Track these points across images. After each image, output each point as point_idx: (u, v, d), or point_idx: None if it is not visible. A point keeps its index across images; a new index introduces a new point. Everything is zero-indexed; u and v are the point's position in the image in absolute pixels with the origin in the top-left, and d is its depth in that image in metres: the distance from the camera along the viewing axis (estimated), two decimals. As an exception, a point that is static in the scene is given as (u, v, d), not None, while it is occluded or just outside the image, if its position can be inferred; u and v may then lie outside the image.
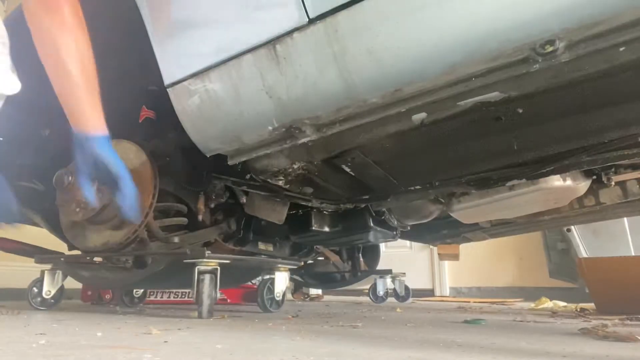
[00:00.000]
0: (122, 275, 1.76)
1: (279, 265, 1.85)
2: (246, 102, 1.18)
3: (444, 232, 2.57)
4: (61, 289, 1.87)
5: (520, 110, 1.09)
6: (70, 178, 1.58)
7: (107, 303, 2.40)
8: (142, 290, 2.36)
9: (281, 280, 1.90)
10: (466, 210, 1.81)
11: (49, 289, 1.81)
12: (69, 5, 1.23)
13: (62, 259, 1.78)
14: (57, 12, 1.22)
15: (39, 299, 1.81)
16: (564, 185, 1.58)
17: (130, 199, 1.26)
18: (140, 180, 1.58)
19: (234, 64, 1.16)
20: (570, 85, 0.98)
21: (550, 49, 0.87)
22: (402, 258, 4.61)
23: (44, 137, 1.89)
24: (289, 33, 1.06)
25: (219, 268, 1.55)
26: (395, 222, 2.17)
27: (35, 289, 1.83)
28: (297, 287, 3.53)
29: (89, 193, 1.28)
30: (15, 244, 1.88)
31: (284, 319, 1.62)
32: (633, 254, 2.98)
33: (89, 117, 1.27)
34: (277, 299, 1.90)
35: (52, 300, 1.83)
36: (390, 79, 1.01)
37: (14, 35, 1.30)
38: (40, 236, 1.96)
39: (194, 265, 1.52)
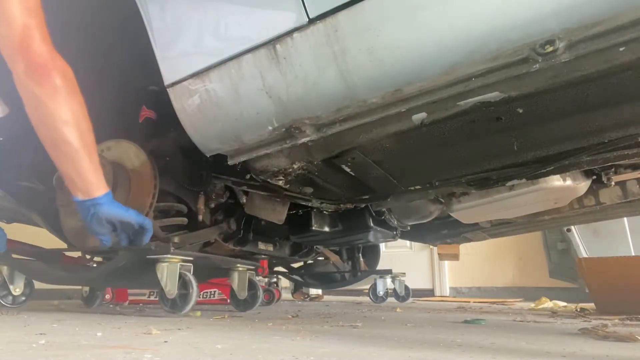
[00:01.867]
0: (76, 272, 1.75)
1: (238, 265, 1.83)
2: (246, 102, 1.18)
3: (444, 232, 2.57)
4: (30, 287, 1.79)
5: (520, 110, 1.09)
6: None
7: (107, 303, 2.40)
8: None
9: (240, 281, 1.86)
10: (466, 210, 1.81)
11: (16, 287, 1.73)
12: (58, 70, 1.22)
13: (11, 254, 1.72)
14: (47, 80, 1.21)
15: (10, 297, 1.74)
16: (564, 185, 1.58)
17: (151, 233, 1.44)
18: (140, 180, 1.58)
19: (234, 63, 1.16)
20: (571, 85, 0.98)
21: (550, 49, 0.87)
22: (402, 258, 4.61)
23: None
24: (289, 33, 1.06)
25: (178, 265, 1.51)
26: (395, 222, 2.17)
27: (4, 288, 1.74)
28: (297, 287, 3.53)
29: (108, 242, 1.43)
30: (15, 244, 1.88)
31: (284, 319, 1.62)
32: (633, 254, 2.99)
33: (92, 182, 1.32)
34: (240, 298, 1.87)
35: (23, 298, 1.77)
36: (390, 79, 1.01)
37: None
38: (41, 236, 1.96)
39: (156, 261, 1.48)
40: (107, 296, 2.44)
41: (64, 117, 1.24)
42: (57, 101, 1.22)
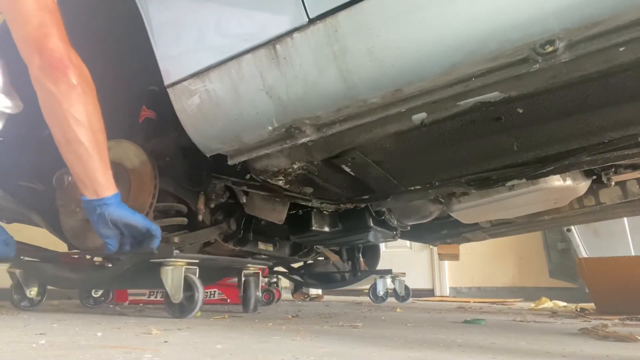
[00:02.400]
0: (85, 275, 1.75)
1: (249, 265, 1.83)
2: (246, 102, 1.18)
3: (444, 232, 2.57)
4: (42, 289, 1.80)
5: (520, 110, 1.09)
6: (70, 178, 1.58)
7: (107, 303, 2.40)
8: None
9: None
10: (466, 210, 1.81)
11: (30, 289, 1.75)
12: (74, 67, 1.22)
13: (22, 257, 1.74)
14: (63, 78, 1.20)
15: (25, 300, 1.76)
16: (564, 185, 1.58)
17: (159, 239, 1.41)
18: (140, 180, 1.58)
19: (234, 64, 1.16)
20: (571, 85, 0.98)
21: (550, 49, 0.87)
22: (402, 258, 4.61)
23: (44, 137, 1.89)
24: (289, 33, 1.06)
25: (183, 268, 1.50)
26: (395, 222, 2.17)
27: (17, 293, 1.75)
28: (297, 287, 3.53)
29: (113, 246, 1.40)
30: (17, 244, 1.88)
31: (284, 319, 1.62)
32: (633, 254, 2.99)
33: (102, 183, 1.32)
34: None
35: (38, 299, 1.78)
36: (390, 79, 1.01)
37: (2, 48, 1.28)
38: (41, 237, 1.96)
39: (161, 264, 1.48)
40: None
41: (77, 116, 1.23)
42: (71, 99, 1.22)
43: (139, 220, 1.38)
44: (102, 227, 1.35)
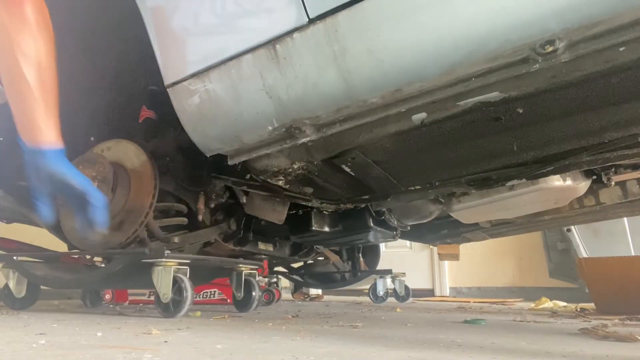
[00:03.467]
0: (77, 275, 1.74)
1: (240, 266, 1.83)
2: (246, 102, 1.18)
3: (444, 232, 2.57)
4: (34, 289, 1.77)
5: (520, 110, 1.09)
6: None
7: (106, 303, 2.40)
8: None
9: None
10: (466, 210, 1.82)
11: (18, 289, 1.72)
12: (31, 2, 1.14)
13: (14, 257, 1.72)
14: (18, 9, 1.12)
15: (10, 300, 1.74)
16: (564, 185, 1.58)
17: (101, 210, 1.20)
18: (140, 180, 1.58)
19: (234, 64, 1.16)
20: (570, 85, 0.98)
21: (550, 49, 0.87)
22: (402, 258, 4.61)
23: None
24: (289, 33, 1.06)
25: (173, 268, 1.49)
26: (395, 222, 2.17)
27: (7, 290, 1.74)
28: (297, 287, 3.53)
29: (45, 211, 1.18)
30: (15, 244, 1.87)
31: (284, 319, 1.62)
32: (633, 254, 2.99)
33: (42, 128, 1.16)
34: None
35: (27, 300, 1.75)
36: (390, 79, 1.01)
37: None
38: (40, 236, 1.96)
39: (152, 264, 1.47)
40: (107, 296, 2.43)
41: (24, 49, 1.13)
42: (22, 33, 1.13)
43: (78, 179, 1.18)
44: (35, 180, 1.17)
